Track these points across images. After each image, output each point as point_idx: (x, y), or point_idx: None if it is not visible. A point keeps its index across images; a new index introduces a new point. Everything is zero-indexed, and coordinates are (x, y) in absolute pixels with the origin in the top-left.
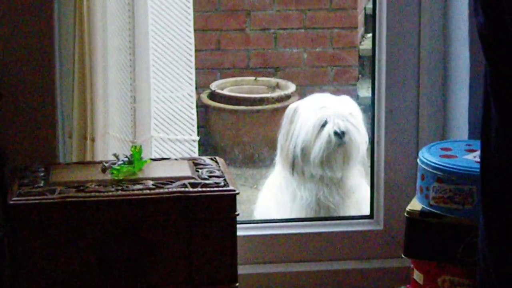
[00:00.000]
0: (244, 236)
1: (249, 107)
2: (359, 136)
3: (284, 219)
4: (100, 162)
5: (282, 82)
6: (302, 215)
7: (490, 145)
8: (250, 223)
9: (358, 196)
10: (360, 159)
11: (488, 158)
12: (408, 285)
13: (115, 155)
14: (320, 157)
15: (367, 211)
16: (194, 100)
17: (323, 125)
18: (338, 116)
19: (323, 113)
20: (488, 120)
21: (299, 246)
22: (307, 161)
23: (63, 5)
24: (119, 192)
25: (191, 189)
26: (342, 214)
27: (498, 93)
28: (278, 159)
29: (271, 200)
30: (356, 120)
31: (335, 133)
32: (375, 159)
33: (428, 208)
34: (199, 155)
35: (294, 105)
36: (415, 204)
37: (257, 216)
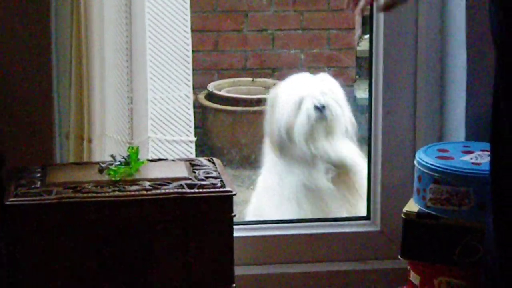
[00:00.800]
0: (241, 237)
1: (246, 108)
2: (340, 110)
3: (281, 220)
4: (97, 163)
5: (279, 83)
6: (294, 202)
7: (500, 147)
8: (247, 224)
9: (355, 178)
10: (347, 134)
11: (499, 160)
12: (404, 287)
13: (112, 156)
14: (303, 134)
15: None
16: (191, 101)
17: (302, 103)
18: (317, 92)
19: (302, 91)
20: (498, 122)
21: (296, 247)
22: (293, 142)
23: (60, 6)
24: (116, 193)
25: (188, 190)
26: (336, 197)
27: (510, 95)
28: (266, 151)
29: (264, 198)
30: (336, 96)
31: (315, 107)
32: (372, 160)
33: (425, 210)
34: (196, 156)
35: (275, 90)
36: (412, 206)
37: (250, 215)
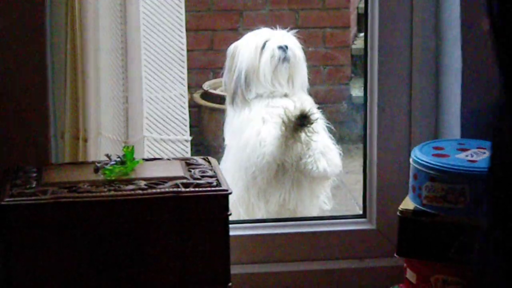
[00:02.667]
0: (237, 236)
1: None
2: (302, 53)
3: (277, 218)
4: (93, 162)
5: None
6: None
7: (503, 146)
8: (243, 222)
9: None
10: (303, 87)
11: (501, 158)
12: (401, 284)
13: (107, 155)
14: (268, 72)
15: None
16: (186, 100)
17: (266, 44)
18: (278, 36)
19: (265, 36)
20: (502, 120)
21: (292, 245)
22: (252, 85)
23: (54, 5)
24: (112, 193)
25: (183, 189)
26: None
27: None
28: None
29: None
30: (296, 46)
31: (279, 47)
32: (368, 158)
33: (421, 207)
34: (191, 155)
35: (234, 43)
36: (408, 203)
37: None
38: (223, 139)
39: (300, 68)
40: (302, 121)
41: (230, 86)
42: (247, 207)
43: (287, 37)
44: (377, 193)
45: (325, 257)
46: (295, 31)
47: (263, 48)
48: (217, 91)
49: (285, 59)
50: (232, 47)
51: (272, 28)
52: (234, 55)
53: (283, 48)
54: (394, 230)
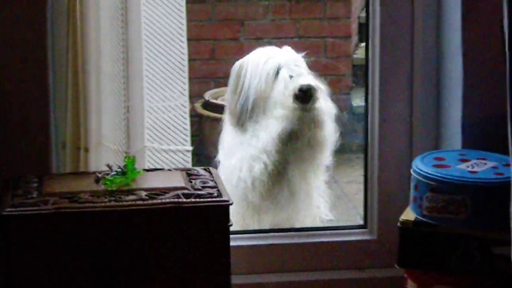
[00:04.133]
0: (238, 246)
1: None
2: (322, 91)
3: (278, 229)
4: (94, 172)
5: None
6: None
7: None
8: (243, 233)
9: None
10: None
11: None
12: None
13: (108, 165)
14: (279, 103)
15: None
16: (187, 110)
17: (279, 72)
18: (290, 62)
19: (274, 61)
20: None
21: (293, 255)
22: (259, 112)
23: (56, 15)
24: (112, 203)
25: (184, 200)
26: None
27: None
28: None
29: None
30: (303, 67)
31: (291, 77)
32: (369, 168)
33: (422, 218)
34: (192, 165)
35: (240, 61)
36: (409, 214)
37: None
38: (207, 156)
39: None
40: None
41: (234, 108)
42: (241, 224)
43: (296, 60)
44: (378, 204)
45: (326, 267)
46: (303, 54)
47: (276, 77)
48: (219, 101)
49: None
50: (237, 65)
51: (276, 45)
52: (239, 75)
53: (303, 91)
54: (395, 240)
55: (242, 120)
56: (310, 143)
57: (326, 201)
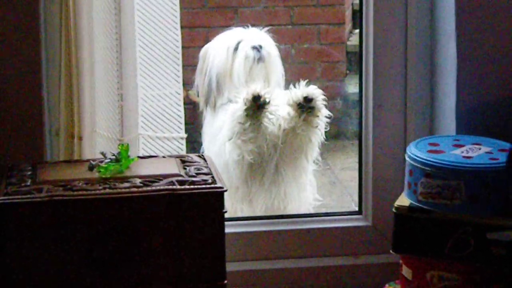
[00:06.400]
0: (232, 233)
1: None
2: (276, 51)
3: (273, 215)
4: (88, 160)
5: None
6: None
7: None
8: (238, 220)
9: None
10: (279, 84)
11: None
12: (397, 281)
13: (102, 153)
14: (243, 75)
15: None
16: (181, 97)
17: (239, 45)
18: (251, 36)
19: (237, 36)
20: None
21: (288, 242)
22: (225, 89)
23: (49, 3)
24: (107, 191)
25: (178, 187)
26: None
27: None
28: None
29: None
30: (270, 43)
31: (253, 47)
32: (363, 154)
33: (416, 204)
34: (186, 153)
35: (206, 46)
36: (403, 200)
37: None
38: (201, 143)
39: (276, 66)
40: (259, 101)
41: (202, 90)
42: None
43: (260, 36)
44: (372, 190)
45: (321, 253)
46: (267, 28)
47: (236, 50)
48: None
49: (260, 59)
50: (203, 49)
51: (244, 27)
52: (205, 58)
53: (257, 48)
54: (389, 226)
55: (211, 99)
56: (298, 129)
57: (312, 185)
